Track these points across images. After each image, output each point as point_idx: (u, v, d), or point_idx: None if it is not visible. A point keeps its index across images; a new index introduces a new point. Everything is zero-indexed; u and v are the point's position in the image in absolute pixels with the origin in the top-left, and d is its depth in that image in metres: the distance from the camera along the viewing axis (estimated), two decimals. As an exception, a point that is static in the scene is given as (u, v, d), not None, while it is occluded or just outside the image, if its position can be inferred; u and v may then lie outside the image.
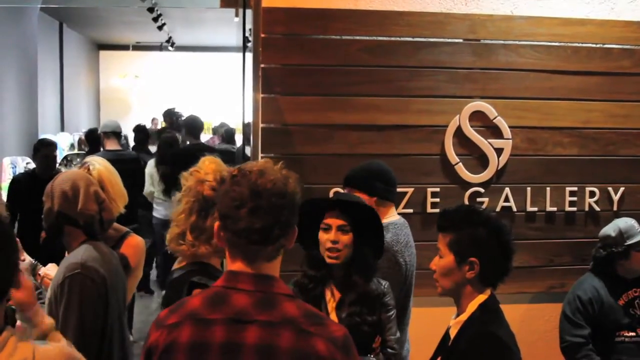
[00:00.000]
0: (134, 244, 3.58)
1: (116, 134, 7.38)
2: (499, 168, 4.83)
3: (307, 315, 1.66)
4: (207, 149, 7.60)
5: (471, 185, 4.81)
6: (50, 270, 3.47)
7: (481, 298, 2.40)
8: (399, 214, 3.81)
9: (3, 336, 1.79)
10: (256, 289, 1.71)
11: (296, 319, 1.63)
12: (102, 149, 7.52)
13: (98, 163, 3.69)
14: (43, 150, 6.70)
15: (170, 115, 12.26)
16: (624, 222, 4.18)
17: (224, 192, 1.86)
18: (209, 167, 2.75)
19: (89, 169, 3.58)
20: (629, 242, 4.03)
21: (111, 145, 7.32)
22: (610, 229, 4.20)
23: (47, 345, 1.92)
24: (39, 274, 3.45)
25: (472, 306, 2.40)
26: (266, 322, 1.62)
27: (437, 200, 4.68)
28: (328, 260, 2.88)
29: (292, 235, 1.87)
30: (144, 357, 1.76)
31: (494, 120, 4.80)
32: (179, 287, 2.49)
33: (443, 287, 2.48)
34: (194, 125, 7.81)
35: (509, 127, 4.84)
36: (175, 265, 2.73)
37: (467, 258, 2.37)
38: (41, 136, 10.14)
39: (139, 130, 9.33)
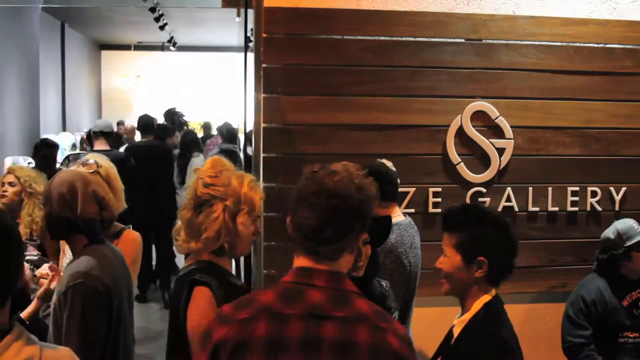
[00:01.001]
0: (132, 239, 3.61)
1: (105, 133, 7.42)
2: (501, 168, 4.83)
3: (376, 312, 1.69)
4: (155, 146, 8.14)
5: (473, 185, 4.82)
6: (46, 270, 3.47)
7: (486, 298, 2.40)
8: (403, 213, 3.80)
9: (8, 338, 1.79)
10: (330, 286, 1.73)
11: (369, 316, 1.65)
12: (89, 149, 7.63)
13: (101, 160, 3.76)
14: (44, 150, 6.71)
15: (171, 115, 12.29)
16: (622, 224, 4.18)
17: (297, 186, 1.92)
18: (206, 164, 2.78)
19: (97, 166, 3.63)
20: (629, 243, 4.02)
21: (99, 145, 7.37)
22: (609, 232, 4.20)
23: (54, 347, 1.91)
24: (35, 275, 3.46)
25: (476, 306, 2.41)
26: (342, 317, 1.62)
27: (439, 200, 4.69)
28: (352, 273, 2.78)
29: (351, 239, 1.85)
30: (209, 355, 1.67)
31: (495, 120, 4.80)
32: (182, 285, 2.50)
33: (451, 287, 2.48)
34: (143, 123, 8.36)
35: (511, 127, 4.84)
36: (185, 263, 2.76)
37: (475, 258, 2.37)
38: (43, 136, 10.15)
39: (161, 129, 9.87)
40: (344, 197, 1.80)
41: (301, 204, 1.83)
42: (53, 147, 6.83)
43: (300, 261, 1.84)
